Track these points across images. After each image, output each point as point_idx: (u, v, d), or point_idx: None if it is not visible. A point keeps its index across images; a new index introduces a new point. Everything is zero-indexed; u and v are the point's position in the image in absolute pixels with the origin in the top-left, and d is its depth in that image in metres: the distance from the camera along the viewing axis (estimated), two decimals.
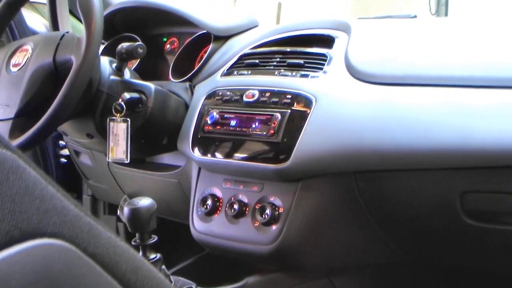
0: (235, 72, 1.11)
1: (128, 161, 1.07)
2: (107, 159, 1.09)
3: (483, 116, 0.81)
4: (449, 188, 0.85)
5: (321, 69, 1.00)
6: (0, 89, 1.07)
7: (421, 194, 0.89)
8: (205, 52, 1.22)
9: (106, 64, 1.09)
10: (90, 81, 1.02)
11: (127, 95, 1.06)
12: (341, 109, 0.92)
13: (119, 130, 1.06)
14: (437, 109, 0.85)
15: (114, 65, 1.10)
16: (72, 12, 1.49)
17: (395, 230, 0.98)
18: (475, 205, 0.85)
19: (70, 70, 0.98)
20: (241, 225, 1.01)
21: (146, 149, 1.18)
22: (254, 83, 1.05)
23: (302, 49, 1.09)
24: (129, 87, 1.10)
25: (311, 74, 1.00)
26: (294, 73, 1.02)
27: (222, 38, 1.23)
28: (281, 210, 0.97)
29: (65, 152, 1.64)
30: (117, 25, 1.38)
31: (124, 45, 1.07)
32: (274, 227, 0.97)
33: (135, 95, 1.08)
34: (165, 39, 1.37)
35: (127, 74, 1.12)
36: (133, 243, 0.95)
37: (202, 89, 1.13)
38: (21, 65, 1.08)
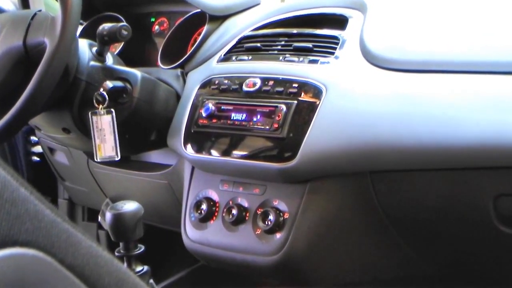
0: (234, 58, 1.11)
1: (119, 158, 1.07)
2: (96, 159, 1.09)
3: None
4: (481, 190, 0.85)
5: (333, 53, 1.00)
6: None
7: (448, 197, 0.89)
8: (199, 34, 1.21)
9: (85, 48, 1.09)
10: (67, 67, 1.02)
11: (109, 84, 1.07)
12: (356, 99, 0.92)
13: (104, 124, 1.06)
14: (467, 99, 0.85)
15: (94, 49, 1.10)
16: None
17: (417, 239, 0.98)
18: (511, 210, 0.85)
19: (43, 54, 0.97)
20: (241, 233, 1.01)
21: (131, 146, 1.18)
22: (255, 70, 1.05)
23: (311, 31, 1.09)
24: (112, 74, 1.10)
25: (321, 59, 1.00)
26: (301, 59, 1.02)
27: (219, 18, 1.23)
28: (286, 215, 0.97)
29: (38, 149, 1.64)
30: (98, 3, 1.37)
31: (106, 26, 1.07)
32: (278, 235, 0.97)
33: (119, 83, 1.08)
34: (153, 19, 1.37)
35: (109, 60, 1.12)
36: (116, 253, 0.95)
37: (196, 77, 1.13)
38: None
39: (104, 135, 1.07)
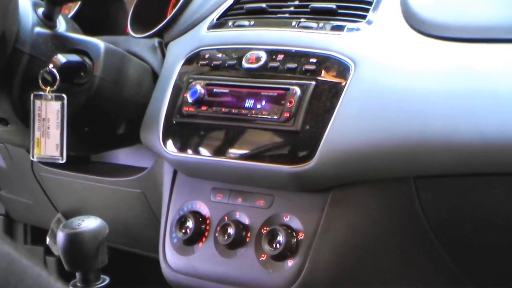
0: (230, 23, 1.11)
1: (64, 160, 1.07)
2: (31, 158, 1.09)
3: None
4: None
5: (364, 17, 1.00)
6: None
7: None
8: None
9: (27, 8, 1.08)
10: (3, 35, 1.02)
11: (61, 58, 1.06)
12: (396, 79, 0.92)
13: (50, 113, 1.06)
14: None
15: (40, 10, 1.10)
16: None
17: (475, 264, 0.99)
18: None
19: None
20: (240, 260, 1.01)
21: (91, 142, 1.19)
22: (259, 39, 1.05)
23: None
24: (65, 45, 1.10)
25: (348, 25, 1.00)
26: (321, 24, 1.02)
27: None
28: (301, 236, 0.97)
29: None
30: None
31: None
32: (290, 262, 0.97)
33: (75, 57, 1.08)
34: None
35: (61, 25, 1.12)
36: (71, 287, 0.96)
37: (179, 49, 1.13)
38: None
39: (47, 127, 1.07)
